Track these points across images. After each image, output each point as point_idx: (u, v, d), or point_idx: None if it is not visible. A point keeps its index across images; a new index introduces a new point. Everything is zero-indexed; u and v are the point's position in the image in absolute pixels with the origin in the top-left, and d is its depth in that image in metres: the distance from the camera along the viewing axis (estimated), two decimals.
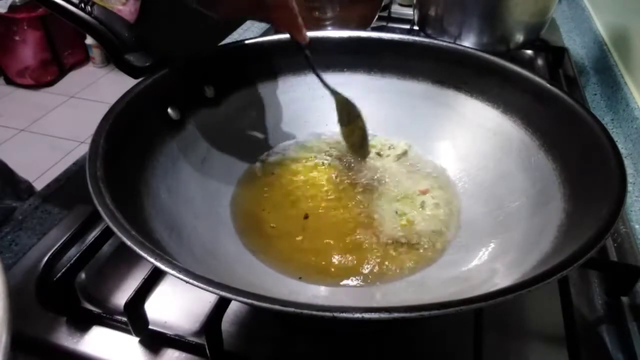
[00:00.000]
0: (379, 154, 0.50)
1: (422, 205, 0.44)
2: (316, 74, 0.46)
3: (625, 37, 0.71)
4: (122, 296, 0.38)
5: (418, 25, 0.75)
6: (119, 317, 0.37)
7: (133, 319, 0.35)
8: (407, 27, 0.80)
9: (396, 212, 0.43)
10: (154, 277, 0.37)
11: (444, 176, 0.47)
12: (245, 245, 0.40)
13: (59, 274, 0.37)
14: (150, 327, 0.36)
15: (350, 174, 0.48)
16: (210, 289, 0.25)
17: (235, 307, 0.37)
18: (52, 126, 1.94)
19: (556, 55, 0.74)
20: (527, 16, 0.66)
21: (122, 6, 0.38)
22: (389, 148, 0.50)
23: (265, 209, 0.44)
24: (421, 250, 0.40)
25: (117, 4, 0.38)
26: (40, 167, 1.56)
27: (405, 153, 0.50)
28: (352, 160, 0.49)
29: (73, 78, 2.26)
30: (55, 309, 0.38)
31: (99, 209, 0.30)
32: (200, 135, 0.46)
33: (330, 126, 0.52)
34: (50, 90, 2.17)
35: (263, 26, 0.85)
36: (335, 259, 0.39)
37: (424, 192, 0.45)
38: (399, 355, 0.36)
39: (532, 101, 0.43)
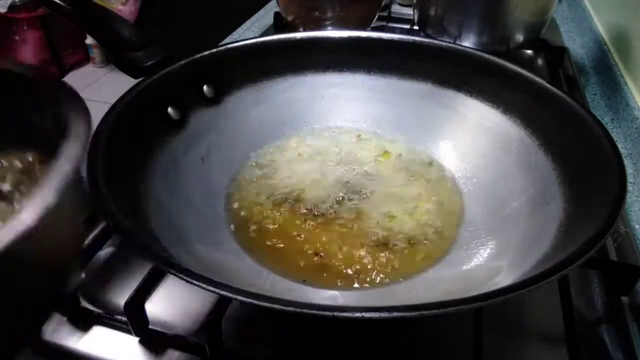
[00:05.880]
0: (374, 158, 0.50)
1: (415, 208, 0.44)
2: None
3: (625, 37, 0.71)
4: (122, 296, 0.38)
5: (418, 25, 0.75)
6: (119, 317, 0.37)
7: (133, 318, 0.35)
8: (407, 27, 0.80)
9: (385, 214, 0.43)
10: (154, 277, 0.37)
11: (442, 176, 0.47)
12: (244, 245, 0.40)
13: None
14: (150, 326, 0.36)
15: (348, 175, 0.48)
16: (211, 288, 0.25)
17: (235, 307, 0.37)
18: None
19: (556, 55, 0.74)
20: (527, 16, 0.66)
21: (122, 6, 0.38)
22: (386, 152, 0.50)
23: (265, 209, 0.44)
24: (420, 251, 0.40)
25: (117, 4, 0.38)
26: None
27: (400, 155, 0.50)
28: (351, 162, 0.49)
29: (73, 78, 2.25)
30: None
31: (99, 209, 0.30)
32: (200, 134, 0.46)
33: (330, 127, 0.52)
34: None
35: (263, 26, 0.85)
36: (334, 260, 0.39)
37: (419, 195, 0.45)
38: (399, 355, 0.36)
39: (532, 101, 0.43)
